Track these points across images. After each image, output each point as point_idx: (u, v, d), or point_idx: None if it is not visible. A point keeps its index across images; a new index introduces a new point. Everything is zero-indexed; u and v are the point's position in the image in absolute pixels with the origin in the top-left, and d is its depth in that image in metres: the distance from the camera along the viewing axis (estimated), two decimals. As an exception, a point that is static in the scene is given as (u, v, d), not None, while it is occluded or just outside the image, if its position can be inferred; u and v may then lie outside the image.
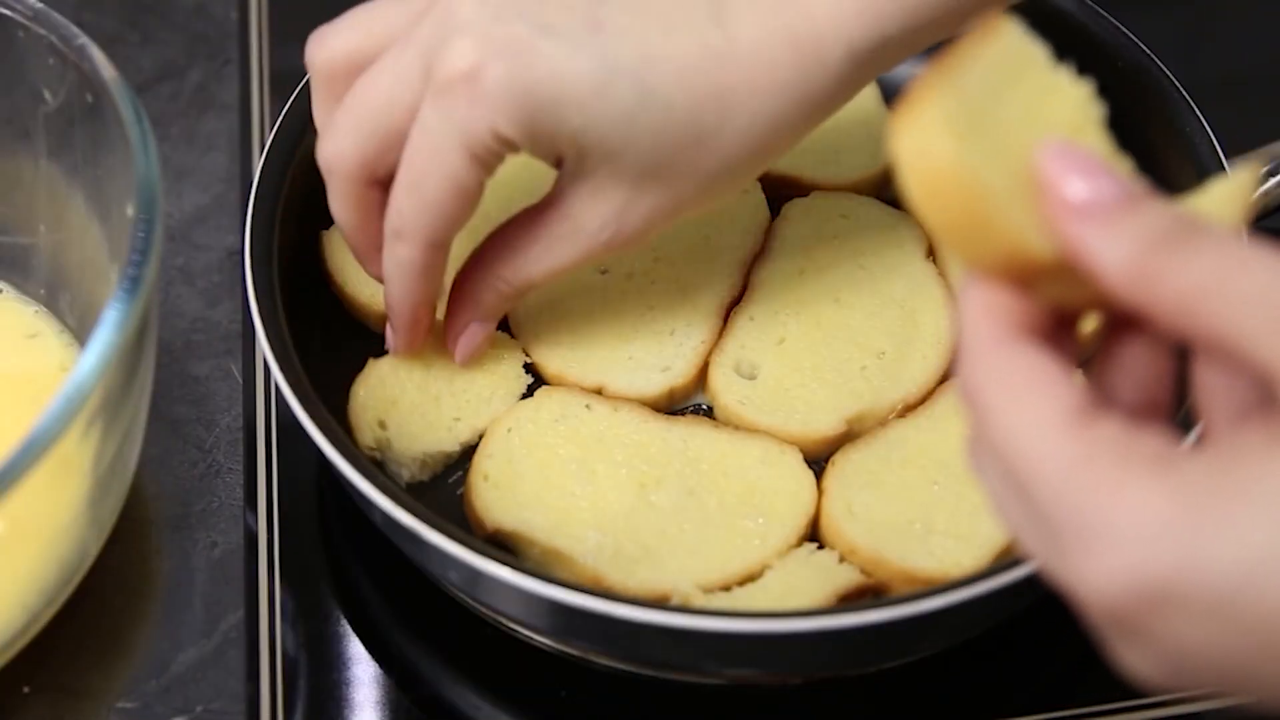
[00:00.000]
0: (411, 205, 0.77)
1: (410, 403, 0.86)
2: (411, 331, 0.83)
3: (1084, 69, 0.59)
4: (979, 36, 0.56)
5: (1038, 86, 0.56)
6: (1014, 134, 0.54)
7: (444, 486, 0.86)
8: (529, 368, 0.89)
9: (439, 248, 0.79)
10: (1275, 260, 0.51)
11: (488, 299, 0.83)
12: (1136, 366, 0.57)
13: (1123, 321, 0.56)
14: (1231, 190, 0.56)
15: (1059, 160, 0.54)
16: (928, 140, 0.53)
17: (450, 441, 0.86)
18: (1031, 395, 0.53)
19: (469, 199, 0.77)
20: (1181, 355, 0.56)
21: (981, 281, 0.55)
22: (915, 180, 0.54)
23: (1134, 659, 0.54)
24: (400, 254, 0.79)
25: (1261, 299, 0.50)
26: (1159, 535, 0.50)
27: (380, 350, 0.88)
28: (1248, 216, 0.57)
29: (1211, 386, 0.55)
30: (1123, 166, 0.56)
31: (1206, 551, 0.50)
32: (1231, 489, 0.50)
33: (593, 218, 0.78)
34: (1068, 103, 0.57)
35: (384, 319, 0.90)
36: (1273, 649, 0.50)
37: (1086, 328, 0.58)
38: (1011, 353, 0.54)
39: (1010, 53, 0.56)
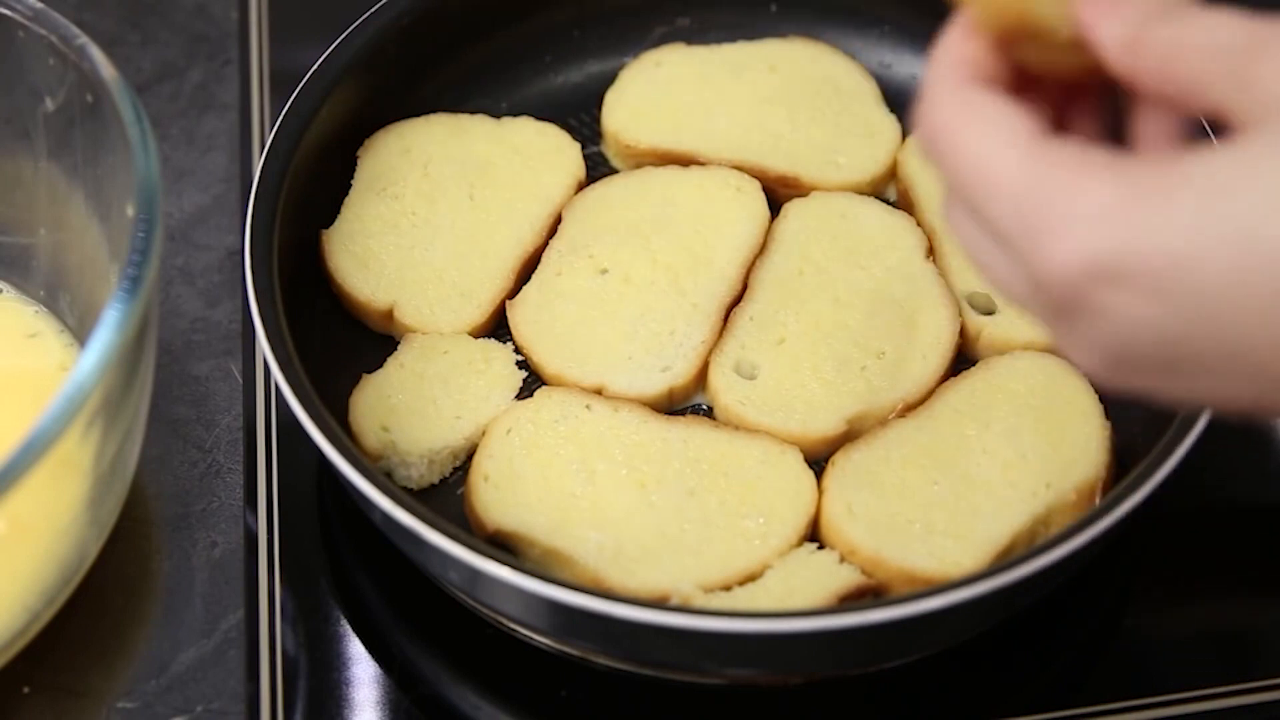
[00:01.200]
0: None
1: (409, 407, 0.86)
2: None
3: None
4: None
5: None
6: None
7: (444, 487, 0.86)
8: (522, 364, 0.89)
9: None
10: (1238, 21, 0.57)
11: None
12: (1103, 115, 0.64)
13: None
14: None
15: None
16: None
17: (455, 437, 0.86)
18: (989, 125, 0.58)
19: None
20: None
21: (957, 36, 0.61)
22: None
23: (1080, 346, 0.59)
24: None
25: (1220, 51, 0.57)
26: (1106, 217, 0.55)
27: (377, 357, 0.88)
28: None
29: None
30: None
31: (1149, 230, 0.55)
32: (1176, 179, 0.55)
33: None
34: None
35: (385, 318, 0.90)
36: (1205, 324, 0.55)
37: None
38: (972, 94, 0.59)
39: None
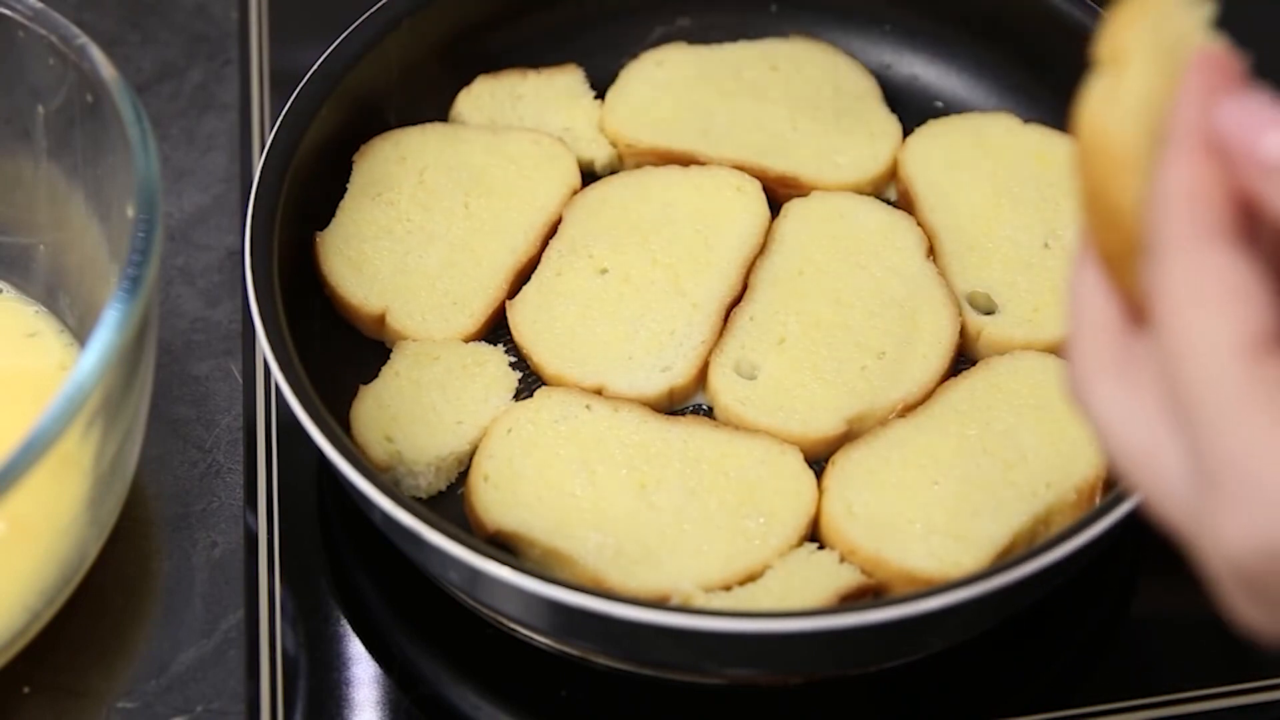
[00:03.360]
0: None
1: (410, 416, 0.86)
2: None
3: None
4: None
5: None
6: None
7: (445, 488, 0.86)
8: (516, 365, 0.89)
9: None
10: None
11: None
12: None
13: None
14: None
15: (1242, 117, 0.52)
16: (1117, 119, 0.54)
17: (459, 442, 0.86)
18: (1219, 308, 0.51)
19: None
20: None
21: (1189, 157, 0.53)
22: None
23: (1256, 616, 0.53)
24: None
25: None
26: None
27: (377, 357, 0.88)
28: None
29: None
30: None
31: None
32: None
33: None
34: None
35: (377, 322, 0.90)
36: None
37: None
38: (1209, 254, 0.52)
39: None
